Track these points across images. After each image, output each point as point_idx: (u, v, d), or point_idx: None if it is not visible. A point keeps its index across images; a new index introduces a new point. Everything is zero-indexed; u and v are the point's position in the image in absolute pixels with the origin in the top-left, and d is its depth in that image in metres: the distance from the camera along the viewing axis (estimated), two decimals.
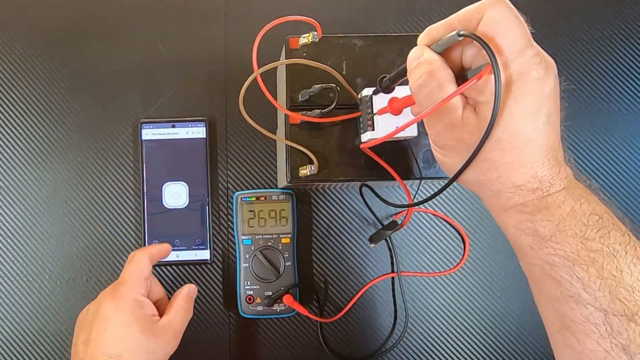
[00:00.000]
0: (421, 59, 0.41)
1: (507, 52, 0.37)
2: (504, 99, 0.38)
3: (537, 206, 0.39)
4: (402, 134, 0.52)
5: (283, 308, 0.69)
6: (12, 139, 0.73)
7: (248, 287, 0.69)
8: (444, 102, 0.39)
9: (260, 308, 0.69)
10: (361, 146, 0.54)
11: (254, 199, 0.70)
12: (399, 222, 0.69)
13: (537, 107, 0.38)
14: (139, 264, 0.61)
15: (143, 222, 0.71)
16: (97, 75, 0.74)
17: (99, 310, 0.58)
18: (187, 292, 0.64)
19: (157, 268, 0.72)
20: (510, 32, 0.37)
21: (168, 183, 0.71)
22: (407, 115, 0.49)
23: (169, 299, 0.65)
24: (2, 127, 0.73)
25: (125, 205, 0.72)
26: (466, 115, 0.40)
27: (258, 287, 0.69)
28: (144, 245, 0.70)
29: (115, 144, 0.73)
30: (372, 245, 0.69)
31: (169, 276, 0.72)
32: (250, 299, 0.69)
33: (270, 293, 0.68)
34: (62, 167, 0.72)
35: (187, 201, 0.71)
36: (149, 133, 0.72)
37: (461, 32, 0.38)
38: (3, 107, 0.73)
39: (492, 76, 0.37)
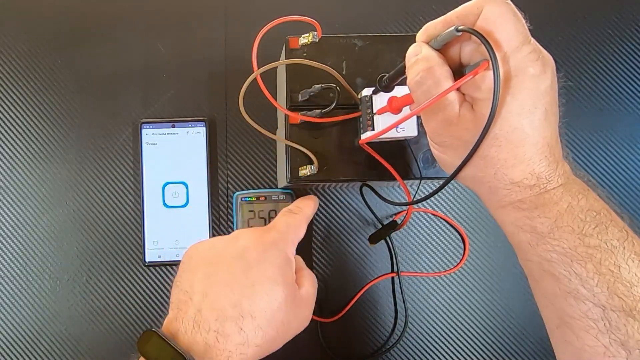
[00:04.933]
0: (419, 56, 0.41)
1: (505, 48, 0.37)
2: (501, 96, 0.38)
3: (535, 203, 0.40)
4: (402, 134, 0.52)
5: None
6: (12, 139, 0.73)
7: None
8: (439, 97, 0.39)
9: None
10: (359, 142, 0.54)
11: (254, 199, 0.70)
12: (399, 222, 0.69)
13: (533, 104, 0.38)
14: (298, 220, 0.52)
15: (143, 222, 0.71)
16: (97, 75, 0.74)
17: (236, 250, 0.47)
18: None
19: (156, 268, 0.72)
20: (507, 28, 0.37)
21: (168, 183, 0.71)
22: (405, 114, 0.50)
23: None
24: (2, 127, 0.73)
25: (125, 205, 0.72)
26: (463, 113, 0.40)
27: None
28: (143, 245, 0.71)
29: (115, 144, 0.73)
30: (372, 245, 0.69)
31: (169, 276, 0.72)
32: None
33: None
34: (62, 167, 0.73)
35: (187, 201, 0.71)
36: (149, 133, 0.72)
37: (459, 27, 0.38)
38: (3, 107, 0.73)
39: (489, 72, 0.38)
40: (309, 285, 0.51)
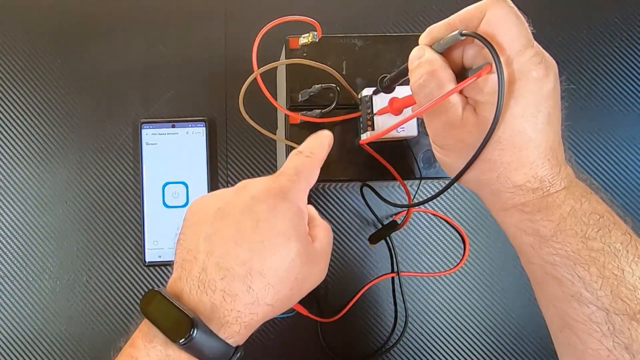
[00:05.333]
0: (422, 59, 0.41)
1: (508, 51, 0.37)
2: (504, 99, 0.38)
3: (538, 206, 0.40)
4: (402, 134, 0.52)
5: None
6: (12, 139, 0.73)
7: None
8: (442, 99, 0.39)
9: None
10: (360, 142, 0.54)
11: None
12: (399, 222, 0.69)
13: (536, 107, 0.38)
14: (311, 165, 0.45)
15: (143, 222, 0.71)
16: (97, 75, 0.74)
17: (244, 202, 0.42)
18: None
19: (156, 268, 0.72)
20: (510, 31, 0.37)
21: (168, 183, 0.71)
22: (407, 115, 0.49)
23: None
24: (2, 127, 0.73)
25: (125, 205, 0.72)
26: (466, 116, 0.40)
27: None
28: (143, 245, 0.70)
29: (115, 144, 0.73)
30: (372, 245, 0.69)
31: (169, 276, 0.72)
32: None
33: None
34: (62, 167, 0.72)
35: (187, 201, 0.71)
36: (149, 133, 0.72)
37: (463, 32, 0.38)
38: (3, 107, 0.73)
39: (492, 76, 0.38)
40: (323, 236, 0.45)
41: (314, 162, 0.46)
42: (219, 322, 0.39)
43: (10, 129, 0.73)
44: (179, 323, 0.38)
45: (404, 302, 0.72)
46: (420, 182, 0.58)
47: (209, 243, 0.41)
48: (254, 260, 0.40)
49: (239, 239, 0.41)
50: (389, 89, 0.50)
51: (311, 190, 0.72)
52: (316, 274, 0.44)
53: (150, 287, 0.71)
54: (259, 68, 0.54)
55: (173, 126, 0.72)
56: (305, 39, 0.57)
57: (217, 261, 0.40)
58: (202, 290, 0.40)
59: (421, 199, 0.47)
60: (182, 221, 0.45)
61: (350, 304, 0.71)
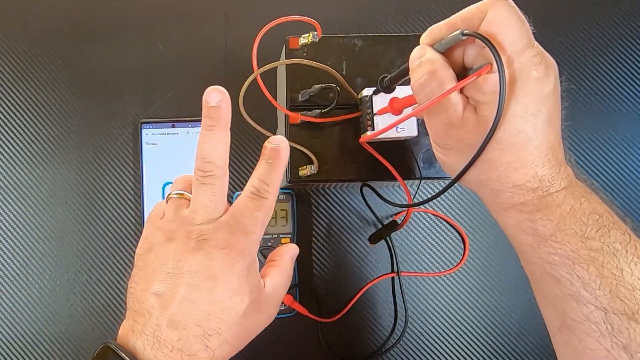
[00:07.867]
0: (423, 59, 0.41)
1: (508, 51, 0.37)
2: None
3: (537, 205, 0.40)
4: (402, 134, 0.52)
5: (283, 308, 0.69)
6: (12, 139, 0.73)
7: None
8: (442, 97, 0.39)
9: None
10: (360, 141, 0.54)
11: None
12: (399, 222, 0.69)
13: (536, 107, 0.38)
14: (268, 213, 0.43)
15: (143, 222, 0.71)
16: (97, 75, 0.74)
17: (200, 261, 0.41)
18: (293, 254, 0.48)
19: None
20: (511, 31, 0.37)
21: (168, 183, 0.71)
22: (407, 114, 0.49)
23: None
24: (2, 127, 0.73)
25: (125, 205, 0.72)
26: (466, 115, 0.40)
27: None
28: None
29: (115, 144, 0.73)
30: (372, 245, 0.69)
31: None
32: None
33: None
34: (62, 167, 0.72)
35: None
36: (149, 133, 0.72)
37: (465, 32, 0.38)
38: (3, 107, 0.73)
39: (492, 76, 0.38)
40: (279, 280, 0.45)
41: (272, 205, 0.44)
42: None
43: (10, 129, 0.73)
44: None
45: (404, 302, 0.72)
46: (420, 182, 0.58)
47: (164, 300, 0.40)
48: (211, 319, 0.40)
49: (195, 298, 0.40)
50: (389, 89, 0.50)
51: (311, 190, 0.72)
52: (265, 318, 0.45)
53: None
54: (259, 68, 0.54)
55: (173, 126, 0.72)
56: (305, 39, 0.57)
57: (173, 320, 0.40)
58: (157, 347, 0.39)
59: (421, 199, 0.47)
60: (135, 260, 0.44)
61: (351, 304, 0.71)
